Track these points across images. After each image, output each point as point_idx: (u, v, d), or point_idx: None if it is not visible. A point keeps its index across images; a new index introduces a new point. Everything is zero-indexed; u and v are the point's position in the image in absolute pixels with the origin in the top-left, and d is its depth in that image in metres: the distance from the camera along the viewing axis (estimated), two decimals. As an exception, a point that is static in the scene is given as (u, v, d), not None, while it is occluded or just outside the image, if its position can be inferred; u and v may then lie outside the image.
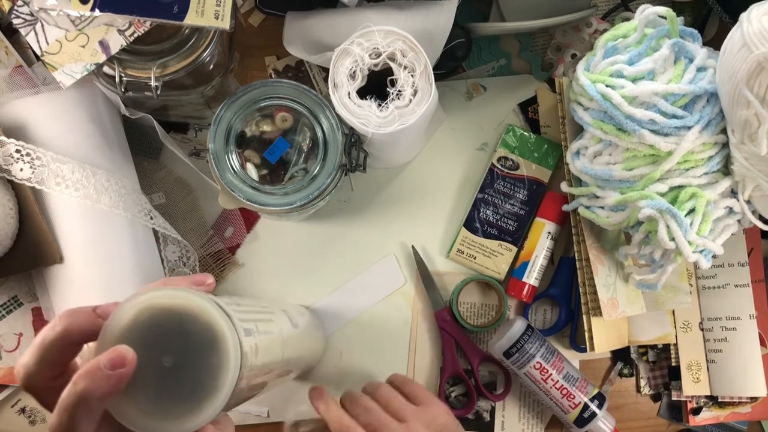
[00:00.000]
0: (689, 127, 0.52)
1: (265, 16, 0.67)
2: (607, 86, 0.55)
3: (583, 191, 0.60)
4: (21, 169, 0.54)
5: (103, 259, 0.57)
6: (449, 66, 0.66)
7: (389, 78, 0.54)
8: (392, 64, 0.54)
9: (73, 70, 0.52)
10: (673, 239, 0.53)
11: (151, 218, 0.60)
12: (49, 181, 0.54)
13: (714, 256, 0.56)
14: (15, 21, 0.51)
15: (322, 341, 0.65)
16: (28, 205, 0.56)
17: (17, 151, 0.54)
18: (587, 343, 0.63)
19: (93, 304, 0.32)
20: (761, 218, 0.56)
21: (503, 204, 0.66)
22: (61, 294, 0.57)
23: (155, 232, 0.62)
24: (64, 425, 0.28)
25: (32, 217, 0.56)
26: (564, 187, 0.63)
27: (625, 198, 0.55)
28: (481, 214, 0.66)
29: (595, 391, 0.63)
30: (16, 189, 0.56)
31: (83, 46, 0.51)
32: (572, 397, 0.62)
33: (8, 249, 0.57)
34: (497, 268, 0.66)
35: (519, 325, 0.63)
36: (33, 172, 0.54)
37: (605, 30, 0.64)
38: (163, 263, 0.63)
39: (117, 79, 0.53)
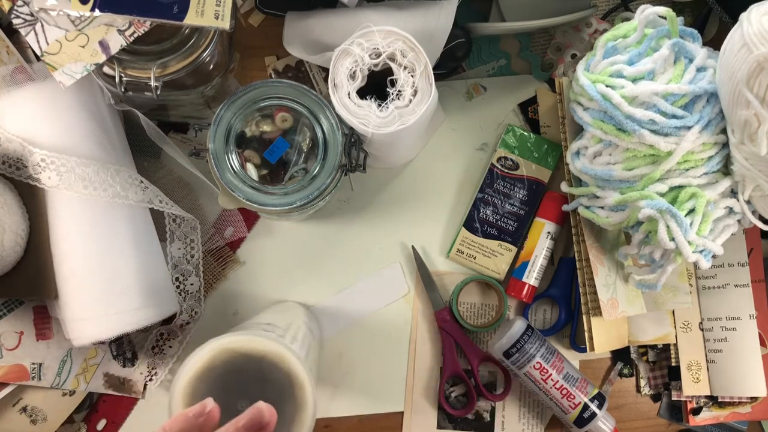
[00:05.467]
0: (689, 127, 0.52)
1: (265, 16, 0.67)
2: (607, 86, 0.55)
3: (583, 191, 0.60)
4: (49, 177, 0.54)
5: (104, 256, 0.57)
6: (449, 66, 0.66)
7: (389, 78, 0.54)
8: (392, 64, 0.54)
9: (73, 70, 0.52)
10: (673, 239, 0.53)
11: (160, 201, 0.60)
12: (76, 185, 0.55)
13: (714, 256, 0.56)
14: (15, 21, 0.51)
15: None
16: (41, 235, 0.57)
17: (42, 159, 0.54)
18: (587, 343, 0.63)
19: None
20: (761, 218, 0.56)
21: (503, 204, 0.66)
22: (62, 292, 0.58)
23: (163, 230, 0.63)
24: None
25: (40, 250, 0.57)
26: (564, 187, 0.63)
27: (625, 198, 0.55)
28: (480, 214, 0.66)
29: (595, 391, 0.63)
30: (32, 220, 0.57)
31: (83, 47, 0.51)
32: (572, 397, 0.62)
33: (4, 273, 0.57)
34: (497, 268, 0.66)
35: (519, 325, 0.63)
36: (60, 179, 0.54)
37: (605, 30, 0.64)
38: (167, 259, 0.63)
39: (117, 79, 0.53)
